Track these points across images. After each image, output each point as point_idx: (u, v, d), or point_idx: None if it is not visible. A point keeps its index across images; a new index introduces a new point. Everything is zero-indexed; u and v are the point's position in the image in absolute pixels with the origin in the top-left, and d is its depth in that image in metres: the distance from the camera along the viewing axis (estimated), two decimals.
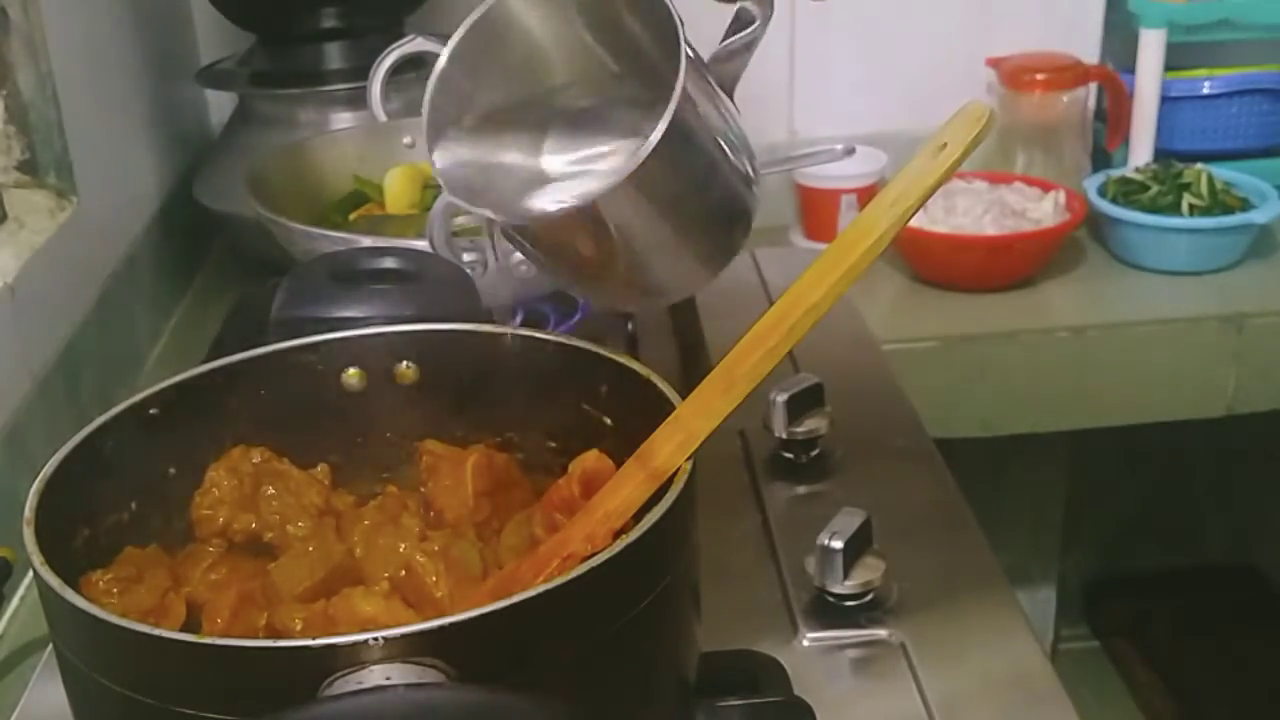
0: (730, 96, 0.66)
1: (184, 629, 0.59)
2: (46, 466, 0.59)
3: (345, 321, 0.74)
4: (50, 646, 0.62)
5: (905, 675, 0.70)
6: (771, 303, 0.59)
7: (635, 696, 0.56)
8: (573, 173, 0.65)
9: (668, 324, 1.07)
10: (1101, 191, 1.49)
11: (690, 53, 0.58)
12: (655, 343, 1.03)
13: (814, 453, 0.89)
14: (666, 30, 0.58)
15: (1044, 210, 1.45)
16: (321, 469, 0.69)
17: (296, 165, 1.18)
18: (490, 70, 0.63)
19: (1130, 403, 1.41)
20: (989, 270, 1.44)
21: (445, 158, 0.63)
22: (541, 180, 0.65)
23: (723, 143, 0.61)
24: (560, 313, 1.01)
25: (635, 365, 0.64)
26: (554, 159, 0.65)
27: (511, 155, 0.65)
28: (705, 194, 0.60)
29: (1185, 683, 1.74)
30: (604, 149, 0.65)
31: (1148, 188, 1.47)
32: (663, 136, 0.56)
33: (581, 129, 0.65)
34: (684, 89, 0.57)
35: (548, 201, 0.63)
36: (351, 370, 0.70)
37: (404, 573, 0.61)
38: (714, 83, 0.61)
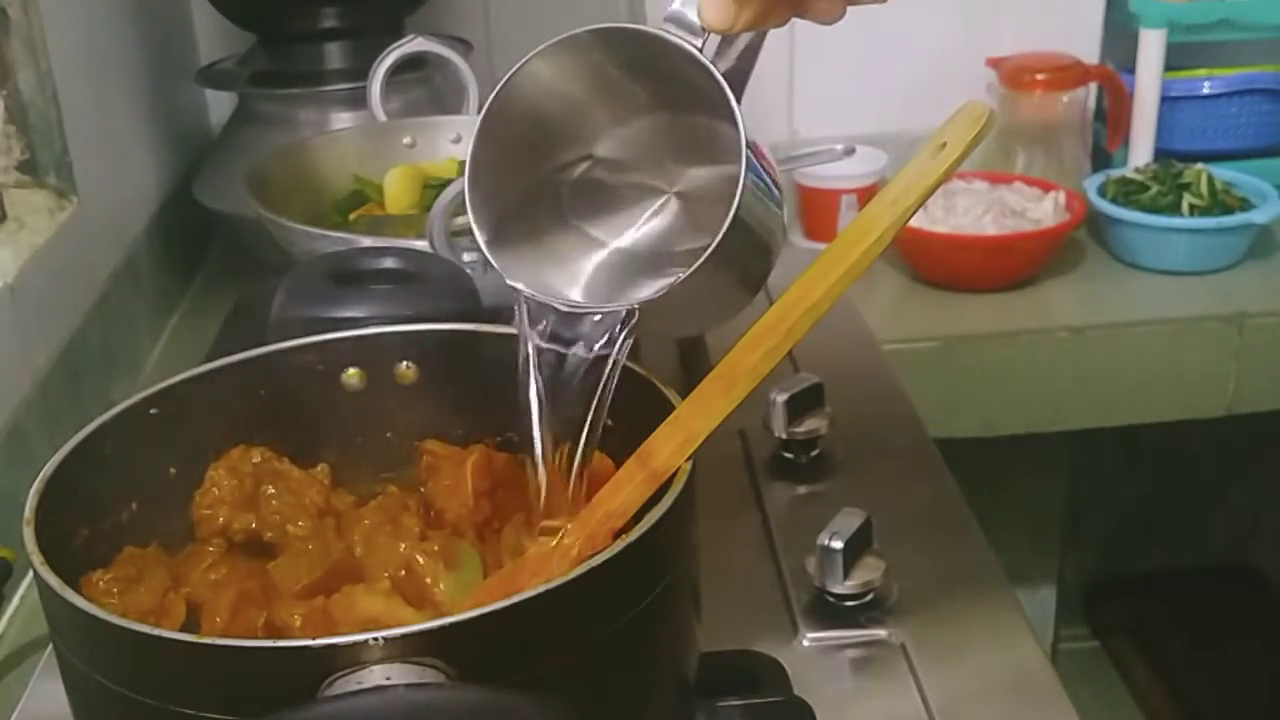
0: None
1: (184, 629, 0.59)
2: (46, 466, 0.59)
3: (345, 321, 0.74)
4: (50, 646, 0.62)
5: (905, 675, 0.70)
6: (771, 303, 0.59)
7: (635, 696, 0.56)
8: (638, 240, 0.64)
9: None
10: (1101, 191, 1.49)
11: (742, 126, 0.56)
12: (655, 343, 1.02)
13: (814, 453, 0.89)
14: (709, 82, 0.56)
15: (1044, 210, 1.45)
16: (321, 469, 0.69)
17: (296, 165, 1.17)
18: (506, 163, 0.61)
19: (1130, 403, 1.41)
20: (989, 270, 1.44)
21: (521, 272, 0.60)
22: (625, 260, 0.63)
23: (760, 187, 0.59)
24: None
25: (635, 365, 0.64)
26: (621, 238, 0.64)
27: (564, 243, 0.63)
28: (750, 239, 0.60)
29: (1185, 682, 1.73)
30: (650, 208, 0.64)
31: (1148, 188, 1.47)
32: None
33: (613, 194, 0.64)
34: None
35: (646, 287, 0.61)
36: (351, 370, 0.70)
37: (404, 573, 0.61)
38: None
